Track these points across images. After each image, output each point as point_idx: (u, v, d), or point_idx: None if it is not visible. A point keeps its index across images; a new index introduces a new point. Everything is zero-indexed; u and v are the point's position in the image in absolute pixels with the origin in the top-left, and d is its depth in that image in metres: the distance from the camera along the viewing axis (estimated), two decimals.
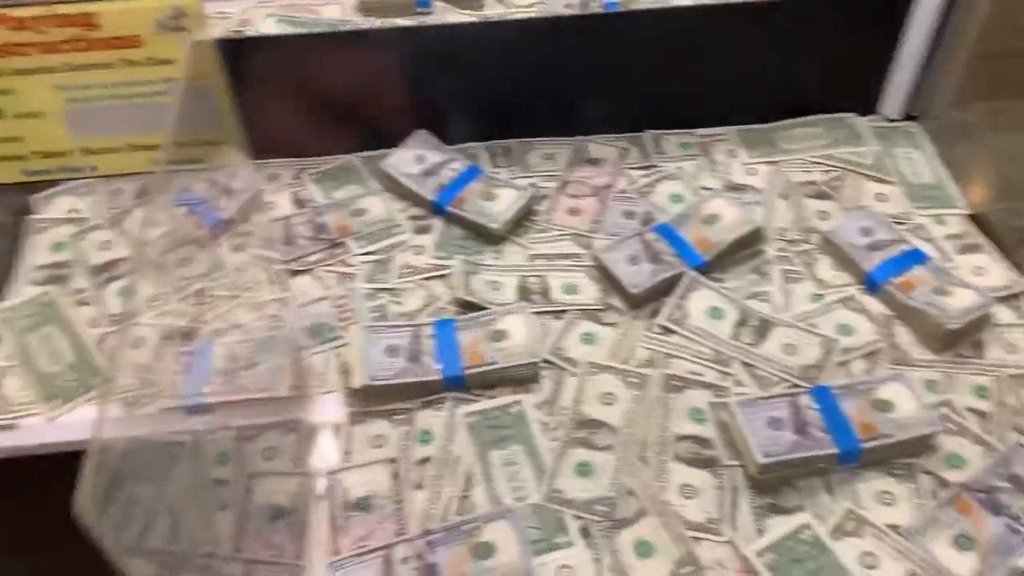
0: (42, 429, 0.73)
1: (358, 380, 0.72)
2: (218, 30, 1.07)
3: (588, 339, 0.77)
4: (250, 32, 1.07)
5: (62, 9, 0.47)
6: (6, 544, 0.81)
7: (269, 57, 0.89)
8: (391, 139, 0.92)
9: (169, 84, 0.49)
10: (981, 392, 0.73)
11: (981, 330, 0.77)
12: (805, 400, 0.70)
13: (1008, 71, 0.94)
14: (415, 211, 0.88)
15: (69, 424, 0.73)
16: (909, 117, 0.97)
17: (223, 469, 0.69)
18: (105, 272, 0.84)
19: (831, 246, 0.83)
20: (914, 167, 0.91)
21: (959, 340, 0.76)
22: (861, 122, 0.96)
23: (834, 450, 0.67)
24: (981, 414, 0.71)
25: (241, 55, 0.89)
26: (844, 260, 0.82)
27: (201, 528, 0.66)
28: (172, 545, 0.66)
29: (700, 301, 0.79)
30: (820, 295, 0.80)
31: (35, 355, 0.77)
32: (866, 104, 0.97)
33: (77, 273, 0.84)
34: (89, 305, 0.81)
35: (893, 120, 0.97)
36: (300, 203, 0.89)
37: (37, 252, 0.85)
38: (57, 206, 0.89)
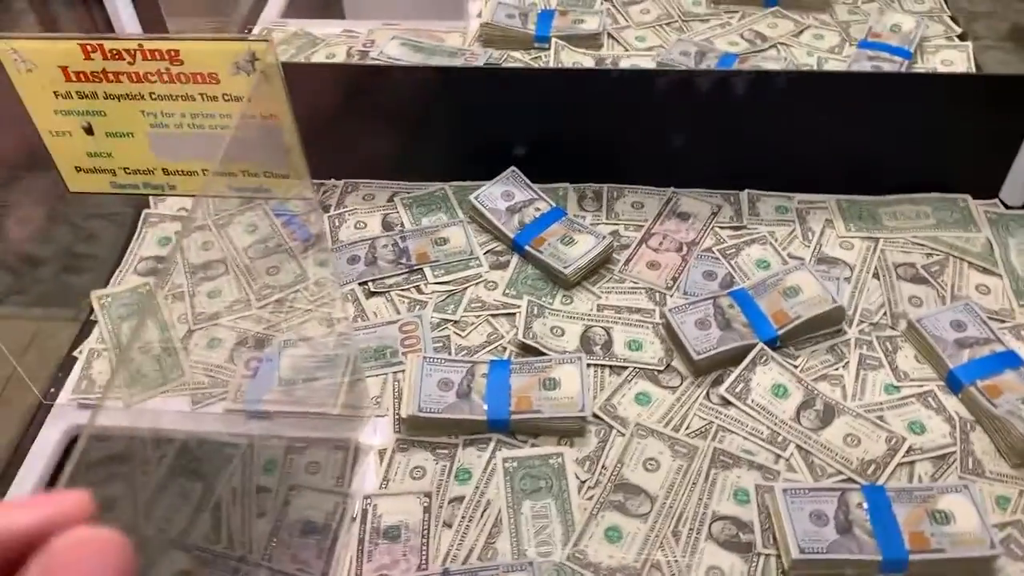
0: (120, 414, 0.78)
1: (407, 409, 0.73)
2: (342, 49, 1.13)
3: (643, 399, 0.76)
4: (373, 53, 1.12)
5: (150, 44, 0.50)
6: None
7: (377, 83, 0.92)
8: (483, 172, 0.93)
9: (242, 120, 0.52)
10: None
11: None
12: (856, 498, 0.67)
13: None
14: (495, 246, 0.89)
15: (144, 412, 0.79)
16: None
17: (268, 477, 0.72)
18: (201, 271, 0.89)
19: (917, 336, 0.78)
20: None
21: None
22: (975, 206, 0.90)
23: (877, 557, 0.63)
24: None
25: (351, 78, 0.94)
26: (929, 352, 0.77)
27: (239, 531, 0.69)
28: (212, 544, 0.70)
29: (766, 376, 0.76)
30: (896, 387, 0.76)
31: (126, 342, 0.83)
32: (984, 188, 0.91)
33: (177, 269, 0.90)
34: (182, 301, 0.87)
35: (1011, 207, 0.90)
36: (388, 226, 0.92)
37: (147, 245, 0.92)
38: (170, 203, 0.95)
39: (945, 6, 1.14)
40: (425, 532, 0.68)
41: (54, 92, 0.54)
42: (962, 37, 1.09)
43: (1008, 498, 0.69)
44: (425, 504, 0.70)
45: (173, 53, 0.51)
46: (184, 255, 0.90)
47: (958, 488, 0.67)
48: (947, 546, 0.64)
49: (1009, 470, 0.70)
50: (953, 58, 1.06)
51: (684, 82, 0.90)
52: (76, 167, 0.59)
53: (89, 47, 0.51)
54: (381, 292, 0.86)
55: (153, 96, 0.53)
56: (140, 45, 0.50)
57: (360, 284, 0.86)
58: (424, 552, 0.67)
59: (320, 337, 0.83)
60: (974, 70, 1.04)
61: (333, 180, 0.98)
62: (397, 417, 0.76)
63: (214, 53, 0.51)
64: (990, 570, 0.65)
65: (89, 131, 0.56)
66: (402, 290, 0.86)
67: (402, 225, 0.92)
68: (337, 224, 0.93)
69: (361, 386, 0.78)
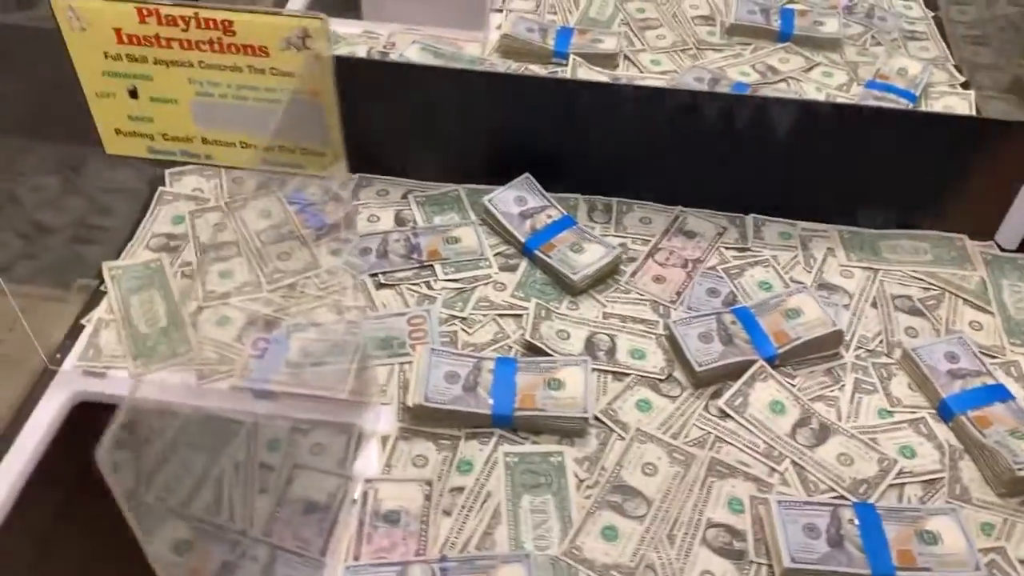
0: (124, 383, 0.79)
1: (413, 398, 0.74)
2: (362, 49, 1.15)
3: (644, 406, 0.78)
4: (393, 55, 1.14)
5: (206, 13, 0.52)
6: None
7: (400, 81, 0.94)
8: (497, 177, 0.95)
9: (286, 94, 0.53)
10: None
11: None
12: (848, 514, 0.68)
13: None
14: (505, 249, 0.91)
15: (149, 383, 0.79)
16: None
17: (272, 455, 0.73)
18: (212, 251, 0.90)
19: (911, 364, 0.81)
20: (1019, 301, 0.88)
21: None
22: (972, 246, 0.93)
23: (866, 571, 0.65)
24: None
25: (373, 75, 0.95)
26: (922, 381, 0.80)
27: (240, 506, 0.70)
28: (212, 516, 0.70)
29: (764, 392, 0.78)
30: (890, 412, 0.78)
31: (134, 314, 0.84)
32: (981, 229, 0.94)
33: (188, 247, 0.90)
34: (191, 279, 0.87)
35: (1006, 250, 0.93)
36: (401, 222, 0.93)
37: (160, 221, 0.93)
38: (185, 183, 0.96)
39: (950, 55, 1.18)
40: (425, 519, 0.69)
41: (104, 53, 0.55)
42: (965, 86, 1.13)
43: (993, 525, 0.71)
44: (426, 492, 0.71)
45: (227, 24, 0.52)
46: (196, 233, 0.91)
47: (946, 511, 0.69)
48: (934, 566, 0.66)
49: (995, 499, 0.72)
50: (955, 105, 1.09)
51: (697, 105, 0.92)
52: (116, 130, 0.60)
53: (145, 11, 0.52)
54: (391, 285, 0.87)
55: (202, 64, 0.55)
56: (196, 13, 0.52)
57: (371, 276, 0.87)
58: (423, 538, 0.68)
59: (330, 324, 0.84)
60: None
61: (348, 174, 0.99)
62: (402, 406, 0.77)
63: (267, 27, 0.52)
64: None
65: (134, 94, 0.57)
66: (412, 284, 0.87)
67: (415, 222, 0.93)
68: (351, 216, 0.94)
69: (368, 374, 0.79)
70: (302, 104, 0.55)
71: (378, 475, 0.72)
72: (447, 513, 0.70)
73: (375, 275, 0.88)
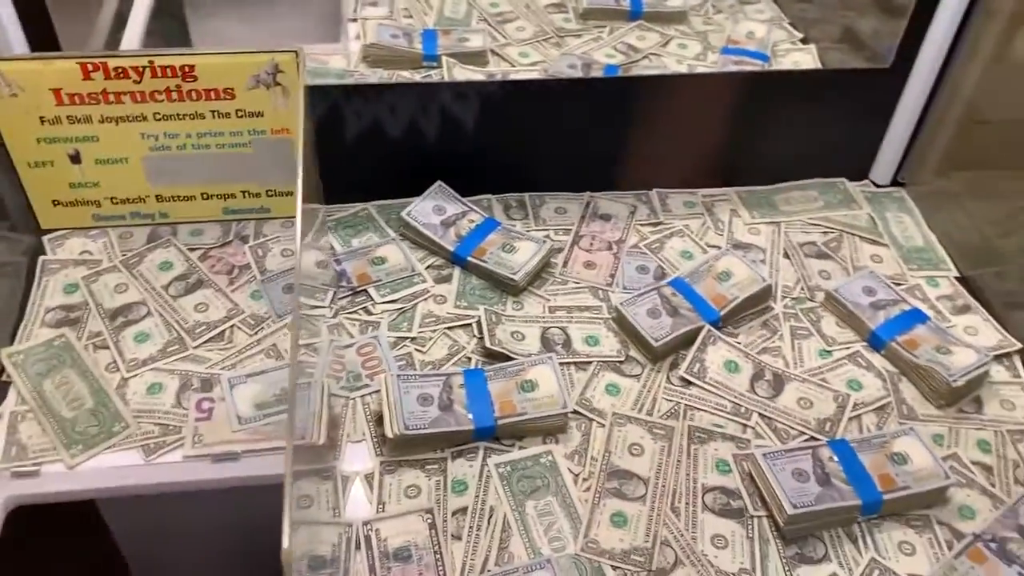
0: (64, 476, 0.71)
1: (392, 429, 0.72)
2: None
3: (612, 390, 0.79)
4: None
5: (163, 60, 0.47)
6: None
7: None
8: (404, 190, 0.93)
9: (253, 136, 0.50)
10: (984, 446, 0.77)
11: (980, 387, 0.81)
12: (826, 452, 0.73)
13: (984, 145, 1.01)
14: (434, 260, 0.89)
15: (91, 471, 0.72)
16: (897, 184, 1.02)
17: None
18: (121, 315, 0.82)
19: (835, 304, 0.87)
20: (904, 231, 0.97)
21: (961, 397, 0.80)
22: (852, 187, 1.01)
23: (857, 501, 0.70)
24: (986, 467, 0.75)
25: None
26: (849, 318, 0.86)
27: None
28: None
29: (717, 355, 0.82)
30: (828, 351, 0.84)
31: (51, 400, 0.75)
32: (857, 171, 1.02)
33: (92, 316, 0.82)
34: (106, 349, 0.80)
35: (881, 186, 1.02)
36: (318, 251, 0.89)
37: (50, 294, 0.84)
38: (69, 248, 0.87)
39: (782, 14, 1.27)
40: (436, 548, 0.67)
41: (40, 118, 0.49)
42: (804, 41, 1.22)
43: (941, 435, 0.78)
44: (429, 521, 0.69)
45: (188, 69, 0.48)
46: (97, 300, 0.83)
47: (907, 431, 0.75)
48: (911, 483, 0.71)
49: (936, 411, 0.80)
50: (801, 60, 1.18)
51: (578, 91, 0.95)
52: (54, 201, 0.54)
53: (91, 66, 0.47)
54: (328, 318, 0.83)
55: (157, 116, 0.51)
56: (151, 61, 0.48)
57: (304, 311, 0.83)
58: (440, 568, 0.66)
59: (271, 370, 0.79)
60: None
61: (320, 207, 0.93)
62: (377, 440, 0.74)
63: (233, 67, 0.49)
64: (944, 498, 0.73)
65: (76, 159, 0.52)
66: (350, 313, 0.84)
67: (333, 248, 0.90)
68: (261, 254, 0.89)
69: (331, 413, 0.75)
70: (269, 143, 0.52)
71: (374, 515, 0.69)
72: (457, 537, 0.68)
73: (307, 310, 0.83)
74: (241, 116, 0.51)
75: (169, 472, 0.73)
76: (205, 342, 0.81)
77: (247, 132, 0.51)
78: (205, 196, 0.55)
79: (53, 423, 0.74)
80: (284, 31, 1.30)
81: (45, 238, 0.87)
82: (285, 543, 0.41)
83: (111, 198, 0.54)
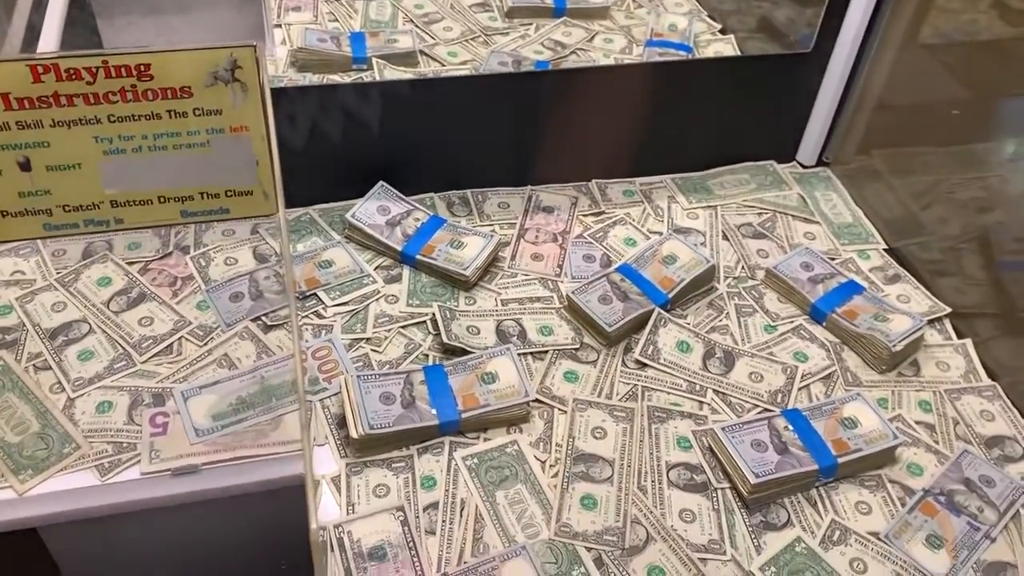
0: (14, 504, 0.68)
1: (357, 430, 0.71)
2: None
3: (571, 377, 0.80)
4: None
5: (117, 59, 0.46)
6: None
7: None
8: (345, 192, 0.93)
9: (212, 135, 0.49)
10: (925, 406, 0.81)
11: (916, 351, 0.85)
12: (781, 422, 0.75)
13: (901, 124, 1.06)
14: (382, 261, 0.89)
15: (42, 496, 0.69)
16: (822, 163, 1.06)
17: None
18: (61, 335, 0.79)
19: (776, 280, 0.90)
20: (833, 208, 1.01)
21: (900, 361, 0.84)
22: (781, 168, 1.05)
23: (815, 466, 0.72)
24: (928, 426, 0.79)
25: None
26: (789, 293, 0.89)
27: None
28: None
29: (668, 336, 0.84)
30: (773, 326, 0.87)
31: None
32: (785, 153, 1.06)
33: (29, 337, 0.79)
34: (48, 370, 0.77)
35: (807, 167, 1.06)
36: (262, 258, 0.88)
37: None
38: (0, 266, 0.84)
39: (700, 7, 1.31)
40: (411, 544, 0.67)
41: None
42: (723, 32, 1.25)
43: (885, 399, 0.81)
44: (400, 518, 0.69)
45: (143, 68, 0.47)
46: (33, 320, 0.80)
47: (854, 397, 0.78)
48: (863, 445, 0.74)
49: (878, 376, 0.83)
50: (723, 49, 1.21)
51: (512, 87, 0.96)
52: (2, 212, 0.52)
53: (41, 68, 0.46)
54: (278, 324, 0.82)
55: (112, 119, 0.49)
56: (105, 61, 0.46)
57: (253, 320, 0.82)
58: (417, 563, 0.66)
59: (225, 379, 0.78)
60: None
61: (281, 209, 0.91)
62: (341, 442, 0.73)
63: (189, 64, 0.48)
64: (893, 458, 0.76)
65: (26, 167, 0.50)
66: (301, 318, 0.83)
67: (277, 254, 0.88)
68: (204, 264, 0.87)
69: (288, 419, 0.74)
70: (228, 142, 0.51)
71: (345, 518, 0.69)
72: (430, 532, 0.68)
73: (257, 319, 0.82)
74: (199, 114, 0.49)
75: (127, 490, 0.70)
76: (153, 356, 0.79)
77: (205, 131, 0.50)
78: (162, 199, 0.53)
79: None
80: (204, 40, 1.27)
81: None
82: (312, 524, 0.45)
83: (63, 206, 0.52)
